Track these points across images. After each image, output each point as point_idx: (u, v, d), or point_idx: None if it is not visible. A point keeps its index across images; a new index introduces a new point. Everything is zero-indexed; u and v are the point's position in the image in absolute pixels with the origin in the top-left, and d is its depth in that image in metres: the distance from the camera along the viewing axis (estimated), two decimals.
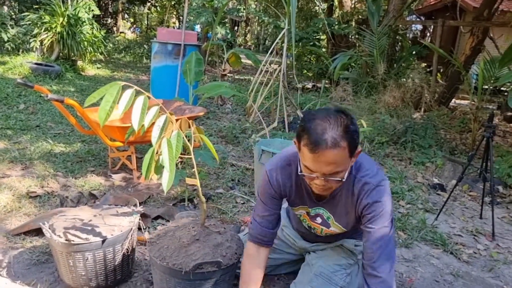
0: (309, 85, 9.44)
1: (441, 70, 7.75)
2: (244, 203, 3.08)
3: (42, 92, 2.89)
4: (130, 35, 18.75)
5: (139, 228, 2.06)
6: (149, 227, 2.56)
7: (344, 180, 1.45)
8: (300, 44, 10.15)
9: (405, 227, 2.88)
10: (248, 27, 25.01)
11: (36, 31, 7.93)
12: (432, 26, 9.98)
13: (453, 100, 8.07)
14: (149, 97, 1.60)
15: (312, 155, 1.37)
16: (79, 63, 8.64)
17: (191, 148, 1.73)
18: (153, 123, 1.57)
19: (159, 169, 1.68)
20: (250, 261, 1.75)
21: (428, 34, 11.48)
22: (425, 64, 9.18)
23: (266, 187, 1.71)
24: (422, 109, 6.80)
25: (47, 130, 4.47)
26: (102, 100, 1.49)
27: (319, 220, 1.78)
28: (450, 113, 6.91)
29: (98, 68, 9.26)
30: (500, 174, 3.99)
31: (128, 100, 1.49)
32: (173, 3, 16.98)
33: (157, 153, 1.63)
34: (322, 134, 1.34)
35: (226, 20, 13.02)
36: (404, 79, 7.16)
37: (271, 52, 4.82)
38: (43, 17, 7.90)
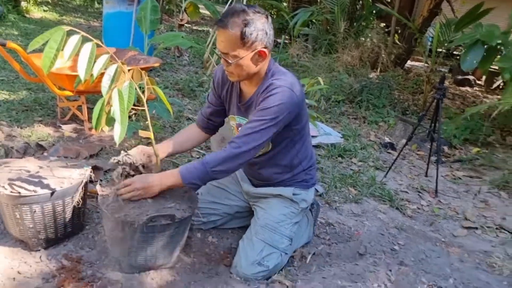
0: None
1: (399, 31, 7.84)
2: (199, 157, 3.06)
3: None
4: None
5: (91, 181, 2.01)
6: (101, 180, 2.50)
7: (231, 63, 1.65)
8: None
9: (356, 184, 2.99)
10: None
11: None
12: None
13: (408, 61, 8.26)
14: (98, 45, 1.51)
15: (216, 31, 1.68)
16: (23, 4, 7.99)
17: (145, 100, 1.67)
18: (103, 73, 1.49)
19: (110, 120, 1.61)
20: (185, 129, 2.12)
21: None
22: (384, 24, 9.25)
23: (211, 83, 2.03)
24: (379, 69, 6.91)
25: None
26: (46, 46, 1.39)
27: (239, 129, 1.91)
28: (405, 74, 7.08)
29: (44, 11, 8.62)
30: (447, 135, 4.19)
31: (73, 47, 1.40)
32: None
33: (108, 104, 1.56)
34: (225, 16, 1.62)
35: None
36: (363, 39, 7.20)
37: (230, 3, 4.67)
38: None
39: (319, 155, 3.45)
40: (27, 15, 7.75)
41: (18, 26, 6.61)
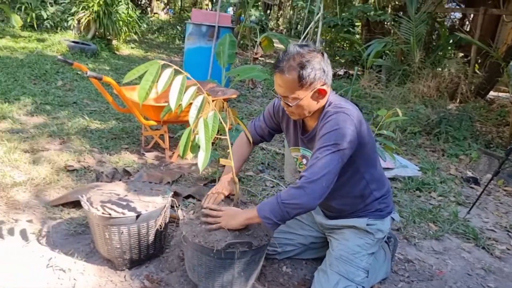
0: (341, 72, 9.29)
1: (479, 61, 7.46)
2: (273, 186, 3.10)
3: (81, 70, 2.96)
4: (163, 16, 18.83)
5: (172, 206, 2.11)
6: (180, 206, 2.61)
7: (291, 105, 1.68)
8: (333, 30, 9.98)
9: (437, 219, 2.84)
10: (281, 11, 24.72)
11: (74, 9, 8.08)
12: (472, 15, 9.60)
13: (491, 92, 7.80)
14: (188, 78, 1.62)
15: (274, 75, 1.70)
16: (114, 42, 8.78)
17: (227, 129, 1.74)
18: (190, 103, 1.59)
19: (194, 148, 1.70)
20: (239, 144, 2.11)
21: (467, 22, 11.05)
22: (463, 54, 8.87)
23: (270, 106, 2.04)
24: (458, 100, 6.60)
25: (83, 106, 4.59)
26: (141, 78, 1.52)
27: (305, 161, 1.91)
28: (487, 106, 6.68)
29: (132, 48, 9.39)
30: None
31: (167, 79, 1.51)
32: None
33: (193, 132, 1.65)
34: (281, 61, 1.64)
35: (259, 3, 12.91)
36: (440, 69, 6.95)
37: (305, 37, 4.76)
38: None
39: (395, 187, 3.33)
40: (117, 52, 8.48)
41: (109, 62, 7.24)
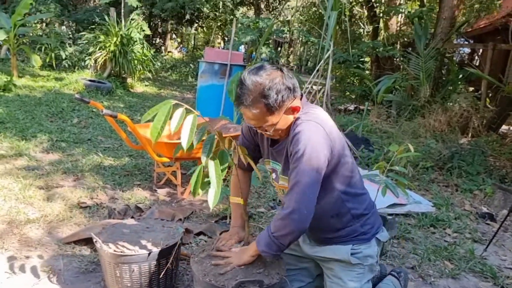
0: (351, 107, 9.36)
1: (490, 95, 7.48)
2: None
3: (96, 107, 3.04)
4: (176, 54, 19.37)
5: (183, 243, 2.11)
6: (191, 243, 2.60)
7: (269, 132, 1.63)
8: (343, 66, 10.14)
9: (452, 257, 2.77)
10: (291, 48, 25.23)
11: (91, 49, 8.39)
12: (480, 50, 9.69)
13: (504, 126, 7.75)
14: (199, 116, 1.66)
15: (240, 109, 1.63)
16: (129, 80, 9.02)
17: (235, 166, 1.76)
18: (203, 140, 1.63)
19: (204, 185, 1.72)
20: (235, 179, 1.96)
21: (477, 57, 11.14)
22: (473, 88, 8.90)
23: (243, 127, 1.99)
24: (470, 135, 6.57)
25: (97, 143, 4.68)
26: (155, 118, 1.56)
27: (274, 175, 1.86)
28: (500, 140, 6.63)
29: (146, 85, 9.63)
30: None
31: (179, 119, 1.55)
32: (219, 24, 17.47)
33: (204, 170, 1.68)
34: (241, 95, 1.56)
35: (270, 41, 13.22)
36: (451, 103, 6.96)
37: (317, 72, 4.85)
38: (98, 37, 8.35)
39: (409, 224, 3.28)
40: (131, 90, 8.71)
41: (124, 100, 7.43)
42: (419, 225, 3.29)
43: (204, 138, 1.64)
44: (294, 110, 1.62)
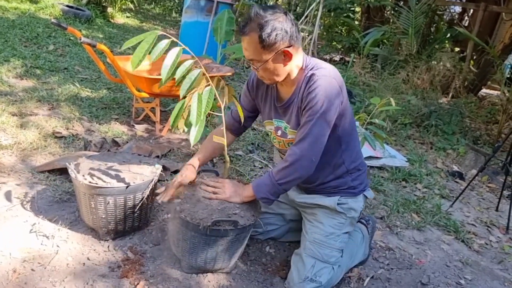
0: (337, 58, 9.25)
1: (475, 57, 7.48)
2: (262, 167, 3.10)
3: (74, 35, 2.89)
4: None
5: (159, 180, 2.10)
6: (167, 180, 2.60)
7: (257, 68, 1.65)
8: (332, 14, 9.88)
9: (420, 211, 2.88)
10: None
11: None
12: (471, 10, 9.57)
13: (483, 89, 7.85)
14: (186, 51, 1.60)
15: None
16: (109, 10, 8.57)
17: (222, 106, 1.73)
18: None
19: (187, 123, 1.69)
20: (214, 134, 1.96)
21: (467, 18, 11.02)
22: (459, 49, 8.88)
23: (245, 86, 1.99)
24: (450, 95, 6.64)
25: (74, 73, 4.51)
26: (138, 46, 1.49)
27: (279, 133, 1.88)
28: (478, 102, 6.73)
29: (127, 17, 9.19)
30: None
31: (162, 49, 1.49)
32: None
33: (186, 107, 1.64)
34: (243, 23, 1.61)
35: None
36: (435, 62, 6.96)
37: (305, 18, 4.72)
38: None
39: (382, 177, 3.36)
40: (112, 20, 8.30)
41: (103, 30, 7.09)
42: (392, 179, 3.38)
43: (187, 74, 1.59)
44: (287, 55, 1.63)
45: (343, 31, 10.11)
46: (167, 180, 2.60)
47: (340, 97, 1.65)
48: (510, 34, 6.70)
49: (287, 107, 1.78)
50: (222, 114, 1.74)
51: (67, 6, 7.20)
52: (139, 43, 1.50)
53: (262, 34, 1.56)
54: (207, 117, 3.15)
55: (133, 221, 2.03)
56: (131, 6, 9.46)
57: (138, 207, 1.97)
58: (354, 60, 7.11)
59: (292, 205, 2.11)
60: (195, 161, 1.94)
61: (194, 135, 1.59)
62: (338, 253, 1.87)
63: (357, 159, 1.91)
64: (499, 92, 7.21)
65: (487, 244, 2.66)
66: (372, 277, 2.02)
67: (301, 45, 1.71)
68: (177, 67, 1.57)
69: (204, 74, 1.63)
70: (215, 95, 1.64)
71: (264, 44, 1.58)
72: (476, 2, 7.19)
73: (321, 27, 10.29)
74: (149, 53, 1.51)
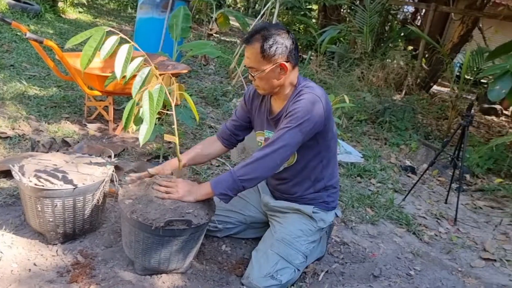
0: None
1: (426, 56, 7.78)
2: (219, 165, 3.08)
3: (20, 30, 2.76)
4: None
5: (111, 180, 2.04)
6: (121, 180, 2.53)
7: (254, 76, 1.75)
8: (290, 12, 9.97)
9: (374, 205, 2.96)
10: None
11: None
12: (423, 10, 9.94)
13: (434, 86, 8.18)
14: (134, 48, 1.55)
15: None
16: (60, 4, 8.24)
17: (173, 104, 1.70)
18: (134, 76, 1.53)
19: (138, 121, 1.64)
20: (205, 140, 2.16)
21: (419, 17, 11.44)
22: (412, 48, 9.19)
23: (242, 98, 2.08)
24: (404, 92, 6.86)
25: (21, 70, 4.30)
26: (85, 44, 1.44)
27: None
28: (430, 99, 7.01)
29: (80, 12, 8.87)
30: (469, 163, 4.11)
31: (111, 46, 1.44)
32: None
33: (137, 105, 1.59)
34: (249, 34, 1.74)
35: None
36: (389, 60, 7.18)
37: (262, 16, 4.72)
38: None
39: (338, 173, 3.42)
40: (63, 15, 7.98)
41: (54, 26, 6.81)
42: (348, 174, 3.45)
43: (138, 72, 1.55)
44: (283, 68, 1.74)
45: (301, 29, 10.22)
46: (120, 180, 2.53)
47: (321, 116, 1.73)
48: (459, 33, 7.01)
49: (278, 120, 1.86)
50: (173, 113, 1.71)
51: (14, 0, 6.86)
52: (85, 40, 1.45)
53: (264, 44, 1.68)
54: (160, 116, 3.10)
55: (84, 224, 1.95)
56: (84, 1, 9.14)
57: (89, 209, 1.91)
58: (311, 57, 7.21)
59: (261, 209, 2.15)
60: (172, 162, 1.98)
61: (143, 134, 1.55)
62: (303, 257, 1.90)
63: (335, 177, 2.03)
64: (449, 89, 7.54)
65: (436, 235, 2.77)
66: (326, 271, 2.05)
67: (298, 64, 1.83)
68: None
69: (154, 72, 1.59)
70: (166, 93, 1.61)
71: (264, 54, 1.70)
72: (427, 2, 7.47)
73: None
74: (99, 50, 1.46)
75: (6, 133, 2.80)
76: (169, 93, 1.71)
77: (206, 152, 2.10)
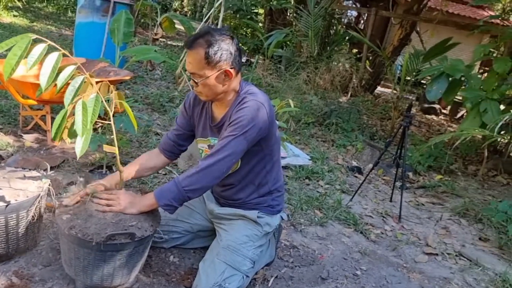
0: (243, 60, 9.37)
1: (370, 58, 8.08)
2: (165, 174, 3.01)
3: None
4: None
5: (49, 194, 1.93)
6: (60, 193, 2.40)
7: (197, 82, 1.72)
8: (237, 16, 10.00)
9: (322, 207, 3.00)
10: None
11: None
12: (366, 14, 10.33)
13: (378, 88, 8.49)
14: (66, 55, 1.47)
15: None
16: None
17: (111, 114, 1.62)
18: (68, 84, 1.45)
19: (74, 133, 1.56)
20: (148, 152, 2.11)
21: (362, 21, 11.86)
22: (357, 51, 9.50)
23: (181, 105, 2.05)
24: (349, 94, 7.07)
25: None
26: (9, 52, 1.35)
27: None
28: (374, 100, 7.27)
29: (14, 16, 8.40)
30: (412, 162, 4.29)
31: (38, 55, 1.36)
32: None
33: (71, 115, 1.51)
34: (191, 39, 1.70)
35: None
36: (335, 63, 7.37)
37: (206, 21, 4.69)
38: None
39: (287, 176, 3.45)
40: None
41: None
42: (296, 177, 3.48)
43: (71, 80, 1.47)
44: (228, 75, 1.72)
45: (248, 32, 10.28)
46: (59, 193, 2.40)
47: (266, 122, 1.73)
48: (398, 36, 7.32)
49: (220, 127, 1.84)
50: (112, 122, 1.63)
51: None
52: (10, 48, 1.35)
53: (208, 50, 1.65)
54: (102, 125, 2.98)
55: (18, 243, 1.83)
56: (19, 4, 8.67)
57: (23, 227, 1.79)
58: (259, 61, 7.26)
59: (207, 217, 2.11)
60: (115, 175, 1.89)
61: (80, 146, 1.47)
62: (250, 263, 1.88)
63: (279, 181, 2.02)
64: (391, 90, 7.85)
65: (382, 233, 2.85)
66: (276, 276, 2.05)
67: (241, 70, 1.80)
68: (58, 74, 1.43)
69: (89, 81, 1.51)
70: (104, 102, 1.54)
71: (209, 61, 1.67)
72: (368, 8, 7.75)
73: (227, 29, 10.34)
74: (25, 58, 1.37)
75: None
76: (108, 102, 1.63)
77: (151, 165, 2.04)
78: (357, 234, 2.75)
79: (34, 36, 1.39)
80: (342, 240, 2.61)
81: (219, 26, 4.70)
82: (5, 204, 1.69)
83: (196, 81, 1.73)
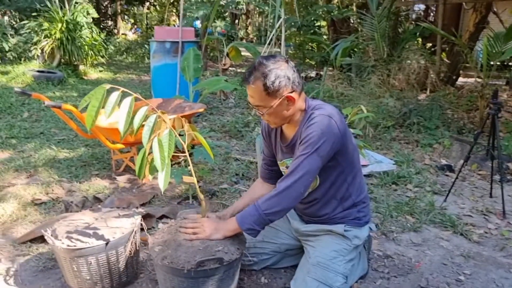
0: (313, 74, 9.35)
1: (447, 49, 7.61)
2: (232, 185, 3.06)
3: (40, 100, 2.89)
4: (131, 36, 18.73)
5: (143, 229, 2.05)
6: (153, 227, 2.55)
7: (263, 114, 1.74)
8: (301, 32, 10.04)
9: (413, 211, 2.84)
10: (249, 20, 24.84)
11: (36, 38, 7.96)
12: (434, 5, 9.80)
13: (461, 78, 7.94)
14: (139, 98, 1.58)
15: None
16: (81, 67, 8.66)
17: (185, 146, 1.71)
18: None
19: (153, 169, 1.66)
20: (253, 184, 2.18)
21: (432, 14, 11.26)
22: (431, 44, 9.01)
23: (260, 135, 2.11)
24: (428, 90, 6.70)
25: (51, 136, 4.49)
26: (88, 105, 1.49)
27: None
28: (457, 92, 6.79)
29: (100, 71, 9.28)
30: (509, 151, 3.91)
31: (113, 103, 1.48)
32: (171, 0, 16.93)
33: (150, 153, 1.61)
34: (247, 73, 1.72)
35: (226, 14, 12.92)
36: (409, 61, 7.05)
37: (269, 43, 4.77)
38: (42, 24, 7.92)
39: (371, 184, 3.33)
40: (85, 77, 8.37)
41: (77, 88, 7.14)
42: (381, 184, 3.35)
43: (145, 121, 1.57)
44: (290, 100, 1.72)
45: (313, 47, 10.26)
46: (153, 227, 2.55)
47: (337, 134, 1.70)
48: (474, 21, 6.84)
49: (292, 146, 1.85)
50: (187, 154, 1.71)
51: (38, 71, 7.27)
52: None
53: (266, 82, 1.66)
54: (182, 159, 3.12)
55: (120, 277, 1.96)
56: (103, 60, 9.56)
57: (123, 262, 1.92)
58: (329, 73, 7.19)
59: (293, 235, 2.11)
60: (225, 213, 1.99)
61: (162, 180, 1.56)
62: (343, 278, 1.82)
63: (363, 192, 1.97)
64: (475, 79, 7.31)
65: (486, 232, 2.62)
66: None
67: (303, 89, 1.80)
68: (133, 116, 1.55)
69: (161, 118, 1.61)
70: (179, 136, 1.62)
71: (269, 91, 1.68)
72: None
73: (291, 47, 10.45)
74: (103, 107, 1.50)
75: (40, 199, 2.90)
76: (182, 135, 1.72)
77: (258, 195, 2.04)
78: (456, 236, 2.55)
79: (108, 86, 1.52)
80: (441, 244, 2.44)
81: (282, 46, 4.75)
82: (105, 242, 1.84)
83: (261, 112, 1.76)
